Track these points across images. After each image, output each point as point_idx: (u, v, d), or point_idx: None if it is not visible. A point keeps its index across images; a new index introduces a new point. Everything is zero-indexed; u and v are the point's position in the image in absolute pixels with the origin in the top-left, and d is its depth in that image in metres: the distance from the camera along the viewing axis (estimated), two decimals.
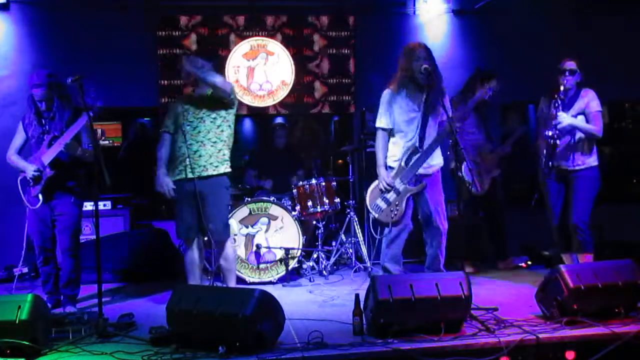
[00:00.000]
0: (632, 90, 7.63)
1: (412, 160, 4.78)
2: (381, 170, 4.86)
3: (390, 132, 4.90)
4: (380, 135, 4.91)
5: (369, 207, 4.97)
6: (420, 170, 4.79)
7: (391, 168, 4.88)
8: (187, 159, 4.88)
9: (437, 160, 4.88)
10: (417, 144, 4.79)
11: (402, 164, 4.81)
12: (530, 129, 7.22)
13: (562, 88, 5.11)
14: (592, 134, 5.10)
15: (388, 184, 4.80)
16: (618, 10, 7.33)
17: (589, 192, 5.11)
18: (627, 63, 7.39)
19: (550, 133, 5.14)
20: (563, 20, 7.42)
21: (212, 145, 4.92)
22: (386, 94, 4.89)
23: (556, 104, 5.13)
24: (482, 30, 7.45)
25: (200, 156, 4.89)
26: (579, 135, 5.12)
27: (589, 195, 5.11)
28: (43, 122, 4.81)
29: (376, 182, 4.91)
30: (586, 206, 5.10)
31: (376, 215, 4.91)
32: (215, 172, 4.91)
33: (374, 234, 5.67)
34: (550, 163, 5.16)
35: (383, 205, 4.86)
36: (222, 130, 4.97)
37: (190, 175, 4.87)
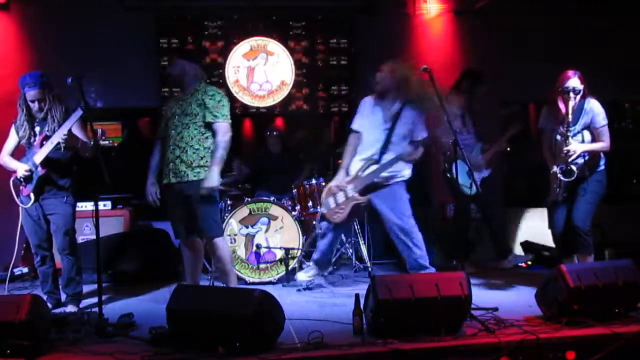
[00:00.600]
0: (632, 90, 7.63)
1: (367, 171, 5.02)
2: (341, 172, 5.18)
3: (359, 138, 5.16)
4: (351, 138, 5.19)
5: (322, 201, 5.33)
6: (382, 175, 5.00)
7: (349, 175, 5.16)
8: (170, 164, 4.85)
9: (396, 171, 5.03)
10: (377, 157, 5.00)
11: (360, 172, 5.04)
12: (527, 126, 7.23)
13: (569, 117, 4.88)
14: (603, 150, 4.99)
15: (340, 186, 5.12)
16: (619, 10, 7.33)
17: (594, 196, 5.02)
18: (627, 63, 7.39)
19: (558, 169, 4.97)
20: (563, 20, 7.42)
21: (194, 152, 4.80)
22: (367, 101, 5.21)
23: (565, 134, 4.91)
24: (482, 31, 7.45)
25: (181, 161, 4.81)
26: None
27: (593, 199, 5.02)
28: (35, 122, 4.80)
29: (334, 181, 5.22)
30: (589, 209, 5.02)
31: (324, 211, 5.26)
32: (195, 178, 4.80)
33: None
34: (564, 194, 5.03)
35: (332, 204, 5.17)
36: (206, 138, 4.84)
37: (172, 181, 4.85)
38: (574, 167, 4.92)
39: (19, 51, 6.81)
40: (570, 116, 4.90)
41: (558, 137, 5.01)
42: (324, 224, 5.32)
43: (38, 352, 3.68)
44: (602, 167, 5.08)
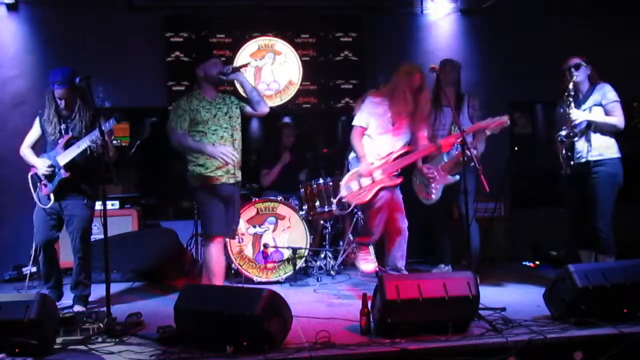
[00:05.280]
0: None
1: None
2: (364, 161, 5.23)
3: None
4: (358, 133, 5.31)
5: (341, 187, 5.38)
6: None
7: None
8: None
9: None
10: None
11: (390, 161, 5.25)
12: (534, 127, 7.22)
13: (570, 85, 4.98)
14: (613, 126, 4.92)
15: (369, 172, 5.21)
16: (626, 9, 7.30)
17: (608, 191, 4.95)
18: (635, 62, 7.37)
19: (564, 133, 5.01)
20: (570, 20, 7.39)
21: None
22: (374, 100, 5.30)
23: (568, 102, 4.98)
24: (489, 30, 7.44)
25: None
26: (593, 128, 4.97)
27: (608, 195, 4.95)
28: (62, 120, 4.74)
29: (356, 168, 5.29)
30: (606, 206, 4.94)
31: (344, 194, 5.34)
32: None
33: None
34: (571, 163, 5.01)
35: (355, 187, 5.28)
36: None
37: (231, 181, 4.85)
38: (577, 131, 4.97)
39: (27, 52, 6.83)
40: (571, 84, 4.98)
41: (562, 110, 5.05)
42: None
43: (46, 351, 3.70)
44: (616, 156, 4.99)
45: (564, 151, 5.06)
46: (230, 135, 4.84)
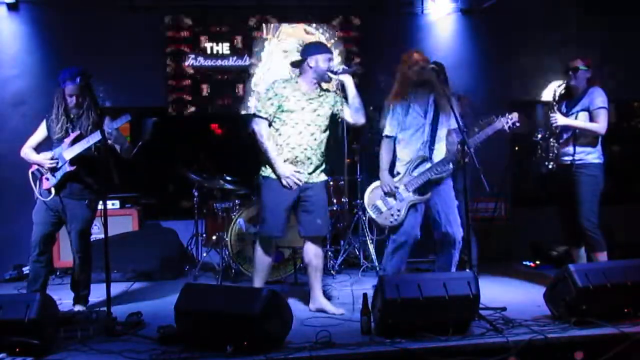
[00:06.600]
0: None
1: (420, 169, 4.79)
2: (384, 174, 4.85)
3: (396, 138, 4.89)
4: (386, 144, 4.90)
5: (366, 207, 5.00)
6: (438, 170, 4.77)
7: (397, 172, 4.88)
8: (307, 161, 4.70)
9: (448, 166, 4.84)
10: (427, 154, 4.79)
11: (411, 172, 4.79)
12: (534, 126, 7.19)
13: (558, 89, 5.06)
14: (593, 132, 4.96)
15: (391, 188, 4.80)
16: (627, 9, 7.30)
17: (591, 192, 4.98)
18: (637, 62, 7.37)
19: (539, 136, 5.13)
20: (570, 20, 7.39)
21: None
22: (393, 102, 4.86)
23: (552, 105, 5.05)
24: (490, 30, 7.43)
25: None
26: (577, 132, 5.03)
27: (591, 195, 4.98)
28: (69, 119, 4.72)
29: (377, 182, 4.92)
30: (590, 207, 4.97)
31: (373, 217, 4.93)
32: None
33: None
34: (547, 164, 5.09)
35: (383, 207, 4.86)
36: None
37: (315, 180, 4.72)
38: (555, 132, 5.04)
39: (27, 52, 6.83)
40: (558, 90, 5.05)
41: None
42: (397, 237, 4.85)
43: (47, 351, 3.70)
44: (597, 161, 5.04)
45: (539, 152, 5.14)
46: (310, 134, 4.59)
